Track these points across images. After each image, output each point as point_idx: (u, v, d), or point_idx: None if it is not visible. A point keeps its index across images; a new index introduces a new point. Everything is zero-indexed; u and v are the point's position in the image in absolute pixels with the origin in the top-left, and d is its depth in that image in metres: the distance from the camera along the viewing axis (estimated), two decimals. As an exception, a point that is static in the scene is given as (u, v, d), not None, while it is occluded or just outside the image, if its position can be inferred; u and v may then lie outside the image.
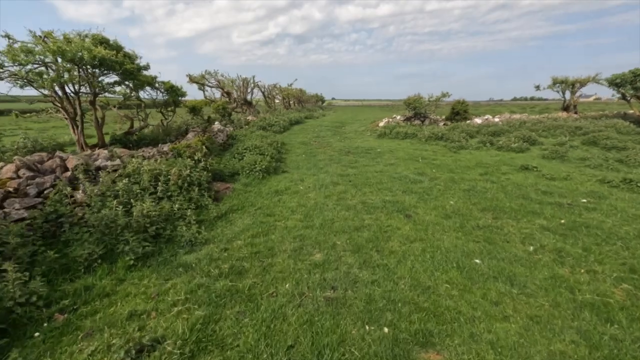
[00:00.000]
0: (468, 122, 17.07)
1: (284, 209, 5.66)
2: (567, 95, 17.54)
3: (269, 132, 15.70)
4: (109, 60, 6.61)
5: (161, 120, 10.33)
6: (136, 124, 9.41)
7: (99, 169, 6.29)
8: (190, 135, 10.15)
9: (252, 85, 21.59)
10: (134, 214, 4.31)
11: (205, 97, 20.08)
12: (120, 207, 4.35)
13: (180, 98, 9.69)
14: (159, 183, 5.35)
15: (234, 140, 13.07)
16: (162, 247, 4.31)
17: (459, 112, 17.37)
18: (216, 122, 12.39)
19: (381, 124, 18.72)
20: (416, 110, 17.42)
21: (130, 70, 7.62)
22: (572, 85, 16.93)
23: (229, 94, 18.68)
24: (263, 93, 27.71)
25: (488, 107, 44.60)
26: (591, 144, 11.73)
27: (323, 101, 66.36)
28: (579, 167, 8.56)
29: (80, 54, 6.27)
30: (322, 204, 5.90)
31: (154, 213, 4.49)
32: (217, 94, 20.95)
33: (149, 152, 7.61)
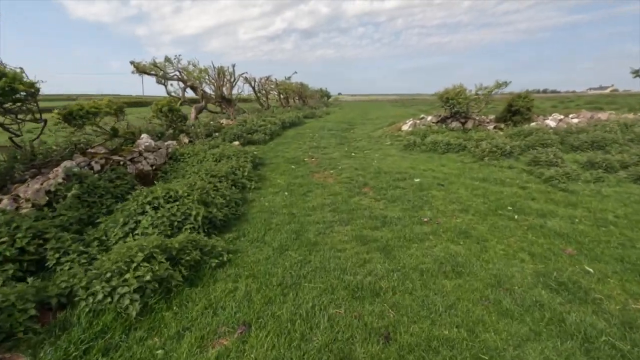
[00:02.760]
0: (533, 124, 11.85)
1: None
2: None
3: (242, 140, 10.72)
4: None
5: (10, 138, 5.43)
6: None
7: None
8: (60, 168, 5.23)
9: (233, 77, 16.44)
10: None
11: (169, 94, 15.12)
12: None
13: (21, 94, 4.75)
14: None
15: (178, 162, 8.13)
16: None
17: (519, 110, 12.13)
18: (144, 135, 7.42)
19: (405, 127, 13.60)
20: (457, 107, 12.24)
21: None
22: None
23: (194, 88, 13.62)
24: (253, 88, 22.66)
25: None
26: None
27: (328, 96, 60.81)
28: None
29: None
30: None
31: None
32: (188, 89, 15.89)
33: None
